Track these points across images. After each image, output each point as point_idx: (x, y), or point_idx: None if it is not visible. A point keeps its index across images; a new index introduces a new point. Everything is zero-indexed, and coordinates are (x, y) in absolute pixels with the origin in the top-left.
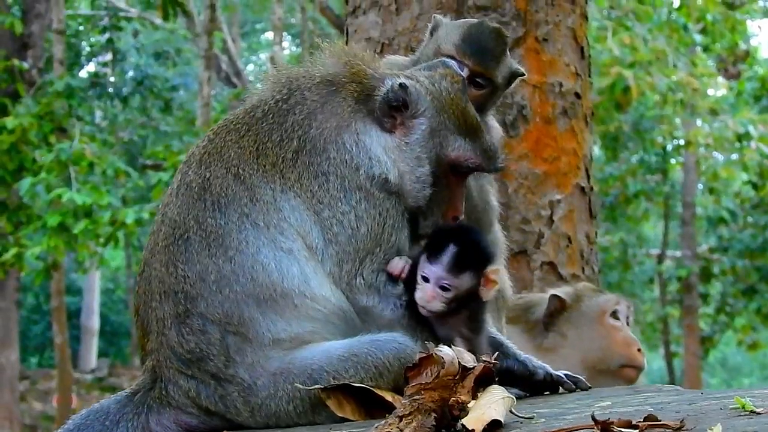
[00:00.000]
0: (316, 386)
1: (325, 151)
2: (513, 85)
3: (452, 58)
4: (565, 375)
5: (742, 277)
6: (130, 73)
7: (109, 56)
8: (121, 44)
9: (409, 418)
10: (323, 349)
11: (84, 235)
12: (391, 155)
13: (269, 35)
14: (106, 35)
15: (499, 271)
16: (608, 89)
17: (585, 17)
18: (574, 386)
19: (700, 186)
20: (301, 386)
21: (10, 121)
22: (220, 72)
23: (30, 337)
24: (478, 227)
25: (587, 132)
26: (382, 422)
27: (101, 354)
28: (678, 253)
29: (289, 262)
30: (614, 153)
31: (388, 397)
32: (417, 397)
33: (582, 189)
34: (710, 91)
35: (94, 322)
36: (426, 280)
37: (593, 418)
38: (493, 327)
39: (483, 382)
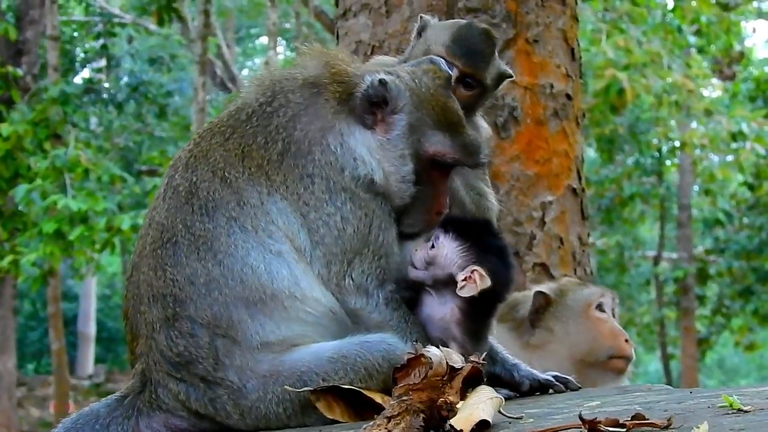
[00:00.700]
0: (306, 388)
1: (310, 153)
2: (502, 87)
3: (444, 59)
4: (554, 376)
5: (738, 278)
6: (125, 79)
7: (103, 62)
8: (115, 50)
9: (398, 418)
10: (312, 350)
11: (80, 242)
12: (376, 155)
13: (264, 40)
14: (101, 41)
15: (485, 278)
16: (603, 92)
17: (575, 19)
18: (564, 387)
19: (696, 188)
20: (290, 388)
21: (4, 128)
22: (215, 77)
23: (27, 344)
24: None
25: (579, 133)
26: (371, 423)
27: (98, 360)
28: (674, 255)
29: (279, 265)
30: (609, 155)
31: (378, 398)
32: (405, 397)
33: (574, 190)
34: (705, 93)
35: (90, 329)
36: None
37: (581, 417)
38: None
39: (471, 382)
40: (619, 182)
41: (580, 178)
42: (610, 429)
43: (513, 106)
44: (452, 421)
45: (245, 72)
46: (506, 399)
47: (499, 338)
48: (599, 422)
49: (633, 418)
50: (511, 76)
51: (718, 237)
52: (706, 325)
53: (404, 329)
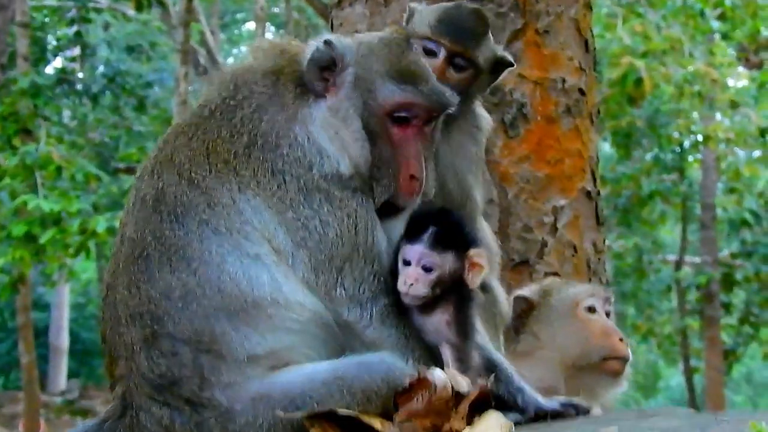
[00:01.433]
0: (299, 413)
1: (278, 147)
2: (504, 77)
3: (428, 39)
4: (562, 403)
5: (767, 284)
6: (101, 69)
7: (77, 51)
8: (90, 38)
9: None
10: (306, 371)
11: (52, 246)
12: (332, 129)
13: (251, 26)
14: (74, 28)
15: (483, 255)
16: (619, 81)
17: (589, 7)
18: (574, 412)
19: (721, 185)
20: (282, 414)
21: None
22: (198, 67)
23: None
24: None
25: (593, 131)
26: None
27: (72, 374)
28: (697, 259)
29: (258, 269)
30: (627, 151)
31: (377, 424)
32: (407, 424)
33: (588, 193)
34: (730, 82)
35: (63, 340)
36: (407, 263)
37: None
38: (490, 344)
39: (478, 407)
40: (637, 180)
41: (594, 180)
42: None
43: (522, 103)
44: None
45: (231, 61)
46: (515, 424)
47: None
48: None
49: None
50: (512, 64)
51: (744, 239)
52: (733, 335)
53: (404, 346)
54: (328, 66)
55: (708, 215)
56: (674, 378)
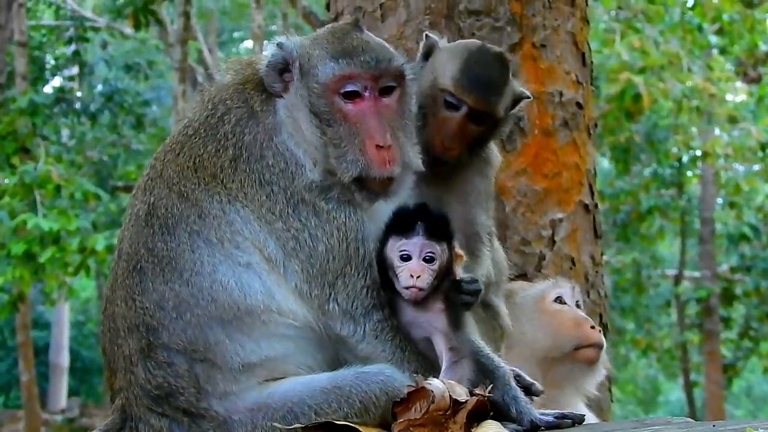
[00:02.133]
0: (297, 425)
1: (263, 158)
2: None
3: (450, 93)
4: (554, 415)
5: (766, 298)
6: (99, 88)
7: (75, 69)
8: (88, 56)
9: None
10: (304, 381)
11: (51, 264)
12: (293, 131)
13: (248, 44)
14: (72, 47)
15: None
16: (617, 97)
17: (586, 20)
18: (570, 422)
19: (720, 200)
20: (280, 425)
21: None
22: (196, 85)
23: None
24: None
25: (590, 145)
26: None
27: (72, 393)
28: (696, 274)
29: (250, 277)
30: (625, 166)
31: None
32: None
33: (586, 206)
34: (729, 97)
35: (63, 359)
36: (406, 258)
37: None
38: (488, 349)
39: (476, 416)
40: (635, 195)
41: (592, 193)
42: None
43: (519, 116)
44: None
45: None
46: None
47: None
48: None
49: None
50: (529, 98)
51: (743, 254)
52: (732, 349)
53: (400, 359)
54: (284, 67)
55: (707, 230)
56: (674, 392)
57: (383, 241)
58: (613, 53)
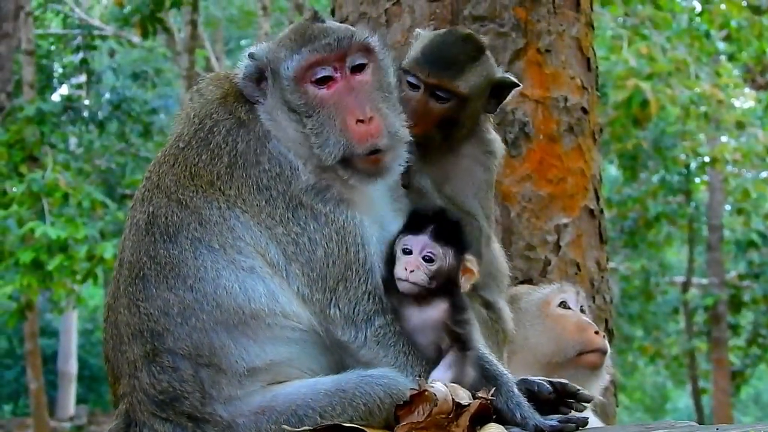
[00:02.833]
0: (304, 428)
1: (258, 163)
2: (510, 98)
3: (408, 72)
4: (558, 419)
5: None
6: (107, 96)
7: (83, 78)
8: (96, 65)
9: None
10: (308, 384)
11: (59, 272)
12: (279, 135)
13: None
14: (80, 55)
15: (475, 262)
16: (625, 103)
17: (591, 26)
18: (574, 426)
19: (728, 207)
20: (287, 427)
21: None
22: None
23: (2, 384)
24: None
25: (595, 150)
26: None
27: (80, 400)
28: (704, 281)
29: (253, 281)
30: (633, 173)
31: None
32: None
33: (591, 212)
34: (736, 103)
35: (71, 366)
36: (408, 252)
37: None
38: (492, 355)
39: (479, 419)
40: (643, 202)
41: (597, 199)
42: None
43: (524, 122)
44: None
45: None
46: None
47: None
48: None
49: None
50: (516, 85)
51: (752, 260)
52: (740, 356)
53: (404, 364)
54: (260, 75)
55: (715, 237)
56: (682, 400)
57: (395, 237)
58: (621, 60)
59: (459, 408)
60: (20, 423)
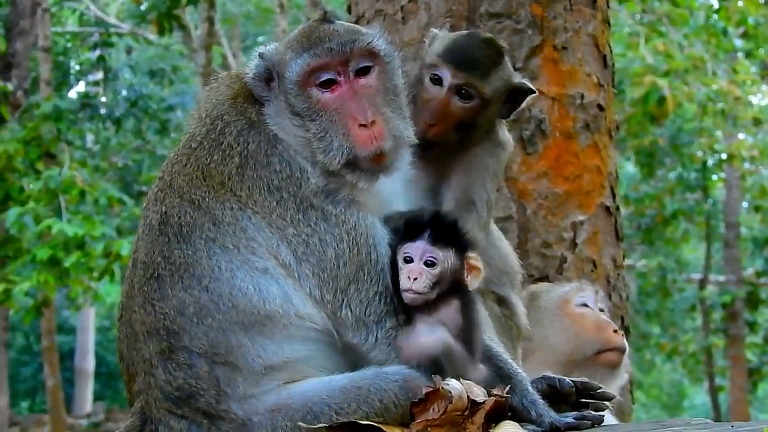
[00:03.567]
0: (321, 425)
1: (269, 165)
2: (525, 105)
3: (434, 68)
4: (574, 416)
5: None
6: (123, 93)
7: (100, 75)
8: (112, 62)
9: None
10: (323, 381)
11: (76, 269)
12: (285, 136)
13: None
14: (97, 52)
15: (480, 258)
16: (641, 100)
17: (607, 23)
18: (590, 423)
19: (745, 204)
20: (303, 424)
21: None
22: None
23: (20, 381)
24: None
25: (611, 147)
26: None
27: (97, 397)
28: (721, 278)
29: (268, 282)
30: (650, 170)
31: None
32: None
33: (607, 209)
34: (753, 100)
35: (88, 363)
36: (409, 260)
37: None
38: (506, 354)
39: (494, 417)
40: (660, 199)
41: (613, 196)
42: None
43: (540, 119)
44: None
45: None
46: None
47: None
48: None
49: None
50: (532, 91)
51: None
52: (758, 353)
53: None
54: (269, 76)
55: (732, 234)
56: (699, 397)
57: (395, 246)
58: (638, 57)
59: (474, 405)
60: (37, 420)
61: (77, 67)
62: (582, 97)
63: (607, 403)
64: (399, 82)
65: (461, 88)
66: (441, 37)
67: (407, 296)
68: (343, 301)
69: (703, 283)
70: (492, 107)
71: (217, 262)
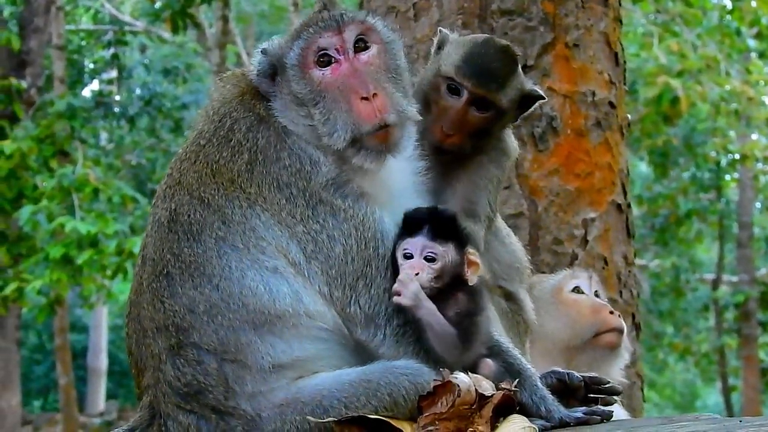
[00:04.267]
0: (329, 418)
1: (279, 160)
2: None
3: (451, 79)
4: (583, 411)
5: None
6: (137, 91)
7: (114, 73)
8: (126, 60)
9: None
10: (332, 375)
11: (89, 267)
12: (295, 128)
13: None
14: (111, 51)
15: (477, 253)
16: (655, 100)
17: (619, 20)
18: (599, 418)
19: (758, 204)
20: (312, 418)
21: (8, 146)
22: None
23: (32, 379)
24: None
25: (623, 144)
26: None
27: (110, 396)
28: (735, 278)
29: (278, 281)
30: (663, 170)
31: (408, 428)
32: (431, 427)
33: (618, 206)
34: (767, 100)
35: (101, 362)
36: (409, 256)
37: None
38: (515, 350)
39: (502, 411)
40: (673, 199)
41: (625, 193)
42: None
43: (551, 116)
44: None
45: None
46: (541, 430)
47: None
48: None
49: None
50: (542, 98)
51: None
52: None
53: (424, 361)
54: (274, 71)
55: (745, 234)
56: (712, 397)
57: (394, 243)
58: (651, 57)
59: (482, 399)
60: (50, 418)
61: (91, 65)
62: (593, 94)
63: (616, 397)
64: (402, 64)
65: (479, 100)
66: (456, 44)
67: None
68: (351, 297)
69: (716, 283)
70: (506, 116)
71: (228, 261)
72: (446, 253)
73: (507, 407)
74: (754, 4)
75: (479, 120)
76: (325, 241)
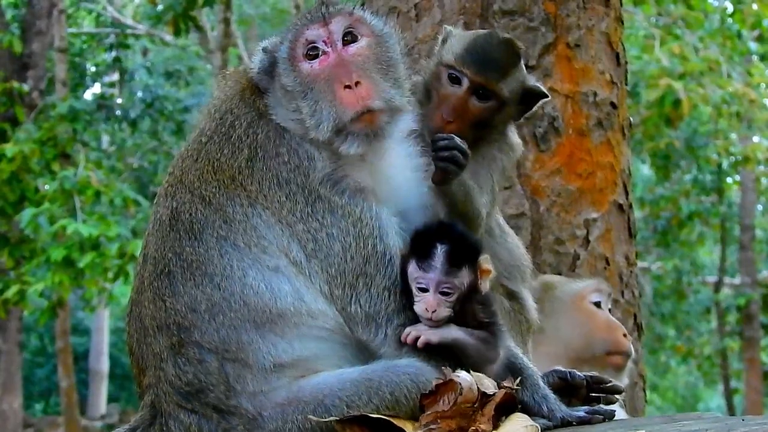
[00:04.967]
0: (330, 417)
1: (278, 155)
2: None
3: (452, 68)
4: (585, 411)
5: None
6: (139, 94)
7: (116, 76)
8: (128, 63)
9: None
10: (334, 374)
11: (91, 270)
12: (288, 123)
13: None
14: (113, 53)
15: (489, 258)
16: (657, 103)
17: (620, 21)
18: (601, 418)
19: (760, 206)
20: (314, 417)
21: (9, 148)
22: None
23: (34, 382)
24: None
25: (624, 144)
26: None
27: (111, 399)
28: (737, 281)
29: (279, 281)
30: (665, 172)
31: (410, 427)
32: (433, 426)
33: (620, 206)
34: None
35: (103, 365)
36: (424, 290)
37: None
38: (517, 348)
39: (504, 409)
40: (675, 201)
41: (626, 193)
42: None
43: (553, 116)
44: None
45: None
46: (543, 429)
47: None
48: None
49: None
50: (545, 95)
51: None
52: None
53: (426, 360)
54: (273, 69)
55: (747, 236)
56: (714, 399)
57: (405, 260)
58: (653, 59)
59: (484, 397)
60: (51, 421)
61: (93, 68)
62: (595, 94)
63: (617, 396)
64: (395, 56)
65: (479, 89)
66: (458, 36)
67: (426, 323)
68: (352, 296)
69: (718, 286)
70: (508, 108)
71: (229, 260)
72: (462, 281)
73: (509, 406)
74: (755, 6)
75: (480, 110)
76: (325, 240)
